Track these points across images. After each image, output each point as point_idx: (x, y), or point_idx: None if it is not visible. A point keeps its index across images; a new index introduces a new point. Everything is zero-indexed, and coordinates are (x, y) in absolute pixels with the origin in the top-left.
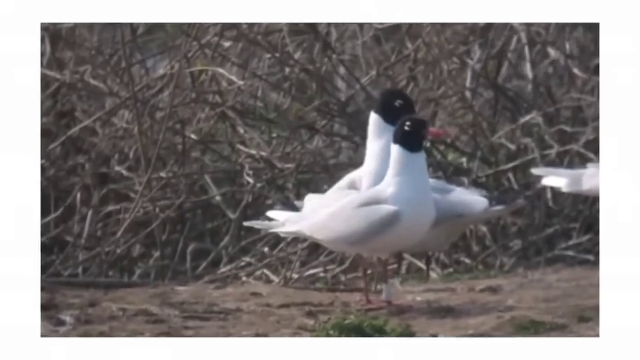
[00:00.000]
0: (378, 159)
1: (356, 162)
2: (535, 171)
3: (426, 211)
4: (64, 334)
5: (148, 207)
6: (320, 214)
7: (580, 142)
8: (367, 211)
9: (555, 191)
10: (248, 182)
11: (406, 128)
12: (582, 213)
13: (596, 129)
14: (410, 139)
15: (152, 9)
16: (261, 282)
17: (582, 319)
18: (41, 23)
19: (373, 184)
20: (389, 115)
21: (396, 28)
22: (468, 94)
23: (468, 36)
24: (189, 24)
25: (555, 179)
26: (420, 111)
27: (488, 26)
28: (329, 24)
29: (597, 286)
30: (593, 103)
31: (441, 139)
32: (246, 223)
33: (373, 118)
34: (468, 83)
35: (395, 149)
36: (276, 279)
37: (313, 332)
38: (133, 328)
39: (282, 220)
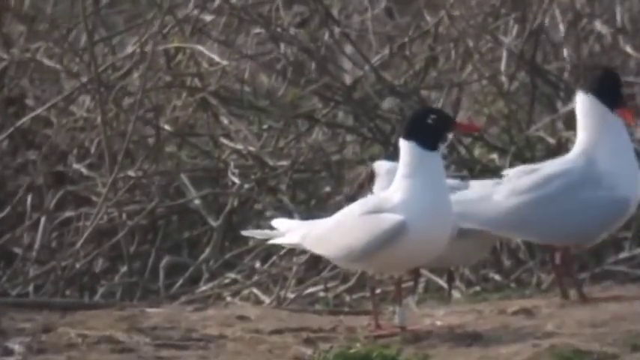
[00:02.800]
0: None
1: (363, 158)
2: None
3: (442, 222)
4: None
5: (113, 213)
6: (321, 224)
7: (634, 137)
8: (369, 221)
9: None
10: (233, 183)
11: (429, 122)
12: (636, 220)
13: None
14: (430, 136)
15: None
16: (249, 303)
17: (636, 347)
18: None
19: None
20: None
21: None
22: (503, 78)
23: (499, 8)
24: None
25: None
26: (441, 97)
27: None
28: None
29: None
30: None
31: (471, 133)
32: (244, 233)
33: None
34: (502, 66)
35: (406, 146)
36: (267, 299)
37: None
38: (96, 359)
39: (283, 230)
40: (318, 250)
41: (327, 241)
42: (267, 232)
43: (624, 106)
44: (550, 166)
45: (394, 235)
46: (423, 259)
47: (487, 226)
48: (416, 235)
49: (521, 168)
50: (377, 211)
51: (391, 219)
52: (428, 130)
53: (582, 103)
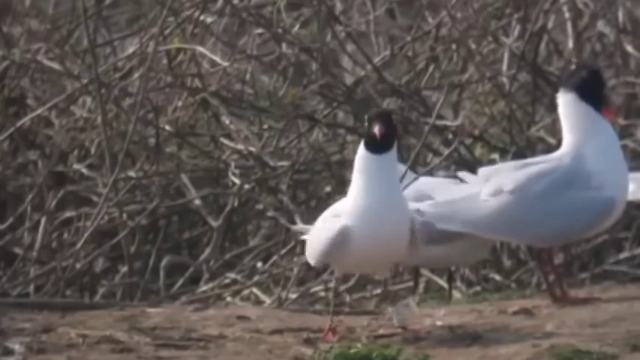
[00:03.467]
0: None
1: None
2: None
3: (390, 225)
4: None
5: (113, 213)
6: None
7: (635, 137)
8: (324, 226)
9: None
10: (234, 183)
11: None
12: (636, 220)
13: None
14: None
15: None
16: (249, 303)
17: (636, 347)
18: None
19: None
20: None
21: None
22: (504, 79)
23: (502, 9)
24: None
25: None
26: (444, 97)
27: None
28: None
29: None
30: None
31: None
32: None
33: None
34: (504, 67)
35: (360, 148)
36: (267, 300)
37: None
38: (96, 359)
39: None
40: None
41: (309, 241)
42: (308, 227)
43: (607, 105)
44: (534, 165)
45: (340, 241)
46: (380, 264)
47: (471, 228)
48: (362, 239)
49: (504, 165)
50: (335, 215)
51: (335, 225)
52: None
53: (567, 103)
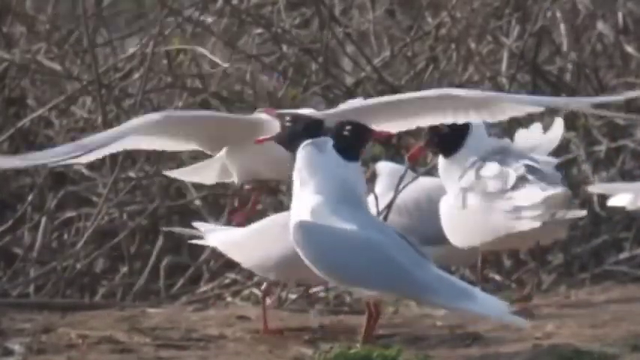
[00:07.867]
0: None
1: (364, 159)
2: (592, 189)
3: None
4: None
5: (114, 213)
6: None
7: (635, 137)
8: None
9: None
10: (234, 183)
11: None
12: (636, 221)
13: None
14: None
15: None
16: (249, 303)
17: (637, 348)
18: None
19: None
20: None
21: None
22: (503, 80)
23: (502, 8)
24: None
25: (621, 198)
26: None
27: None
28: None
29: None
30: None
31: None
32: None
33: None
34: (504, 67)
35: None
36: (267, 299)
37: None
38: (96, 359)
39: None
40: None
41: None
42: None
43: None
44: None
45: None
46: None
47: None
48: None
49: None
50: None
51: None
52: None
53: None
